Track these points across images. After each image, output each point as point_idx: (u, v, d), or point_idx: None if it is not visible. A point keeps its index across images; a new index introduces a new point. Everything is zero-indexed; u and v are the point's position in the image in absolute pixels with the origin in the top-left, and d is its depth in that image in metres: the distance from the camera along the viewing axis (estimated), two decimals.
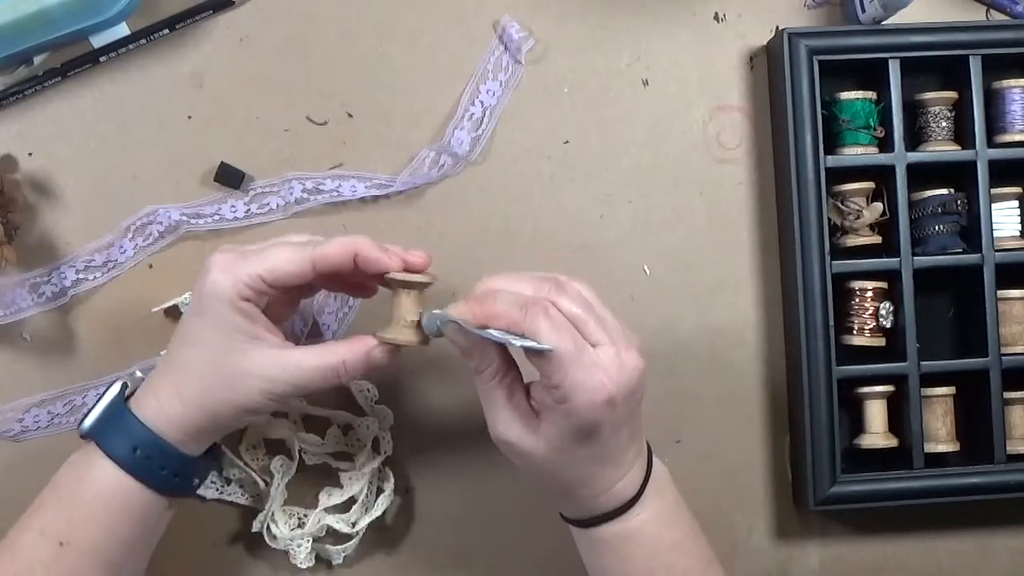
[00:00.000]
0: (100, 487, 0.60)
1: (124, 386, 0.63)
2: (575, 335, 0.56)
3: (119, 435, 0.60)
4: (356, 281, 0.65)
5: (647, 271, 0.76)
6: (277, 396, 0.60)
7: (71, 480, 0.61)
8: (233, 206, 0.73)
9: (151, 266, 0.73)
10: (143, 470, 0.60)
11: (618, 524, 0.61)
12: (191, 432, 0.61)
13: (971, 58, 0.74)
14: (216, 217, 0.73)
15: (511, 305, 0.57)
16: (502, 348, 0.59)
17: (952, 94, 0.75)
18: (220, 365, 0.60)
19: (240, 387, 0.60)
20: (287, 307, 0.66)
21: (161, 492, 0.61)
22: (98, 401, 0.62)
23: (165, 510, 0.63)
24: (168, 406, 0.60)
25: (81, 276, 0.72)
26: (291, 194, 0.73)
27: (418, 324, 0.61)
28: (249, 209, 0.73)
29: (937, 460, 0.74)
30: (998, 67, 0.75)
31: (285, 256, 0.60)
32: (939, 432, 0.74)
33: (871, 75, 0.75)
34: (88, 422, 0.61)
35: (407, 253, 0.62)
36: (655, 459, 0.64)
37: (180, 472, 0.61)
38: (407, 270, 0.61)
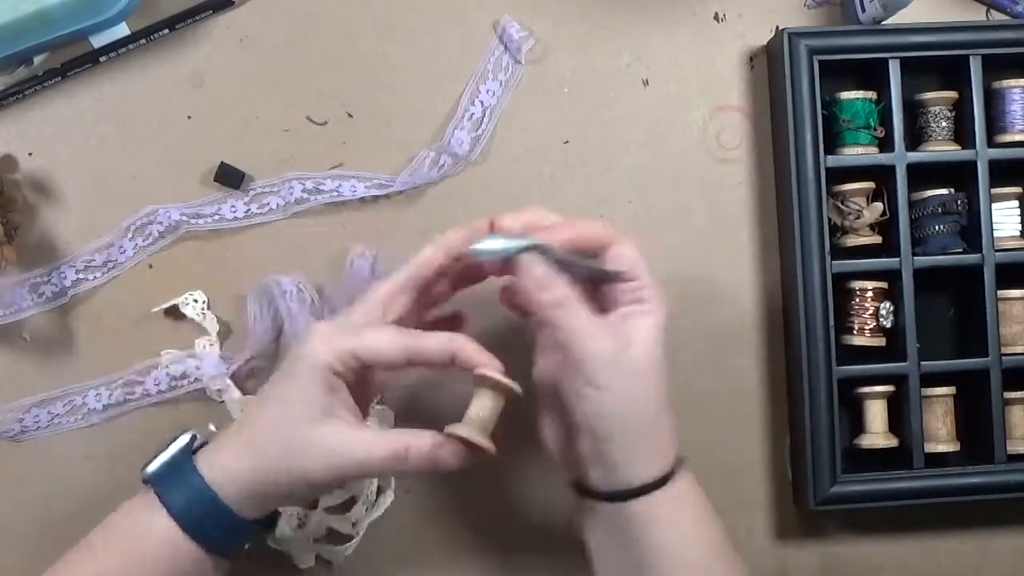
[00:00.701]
0: (153, 539, 0.59)
1: (193, 437, 0.62)
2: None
3: (179, 487, 0.59)
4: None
5: None
6: (342, 474, 0.60)
7: (127, 530, 0.60)
8: (233, 206, 0.73)
9: (151, 266, 0.73)
10: (198, 528, 0.59)
11: (655, 497, 0.60)
12: (252, 495, 0.59)
13: (971, 58, 0.74)
14: (216, 217, 0.73)
15: (593, 226, 0.62)
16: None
17: (952, 94, 0.75)
18: (292, 430, 0.59)
19: (305, 456, 0.58)
20: (372, 389, 0.65)
21: (211, 551, 0.60)
22: (166, 448, 0.61)
23: (212, 570, 0.61)
24: (233, 464, 0.59)
25: (81, 276, 0.72)
26: (291, 194, 0.73)
27: (492, 428, 0.59)
28: (249, 209, 0.73)
29: (937, 460, 0.74)
30: (998, 67, 0.75)
31: (384, 340, 0.59)
32: (939, 432, 0.74)
33: (871, 75, 0.75)
34: (152, 467, 0.60)
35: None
36: None
37: (232, 534, 0.60)
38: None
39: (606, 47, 0.76)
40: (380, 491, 0.72)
